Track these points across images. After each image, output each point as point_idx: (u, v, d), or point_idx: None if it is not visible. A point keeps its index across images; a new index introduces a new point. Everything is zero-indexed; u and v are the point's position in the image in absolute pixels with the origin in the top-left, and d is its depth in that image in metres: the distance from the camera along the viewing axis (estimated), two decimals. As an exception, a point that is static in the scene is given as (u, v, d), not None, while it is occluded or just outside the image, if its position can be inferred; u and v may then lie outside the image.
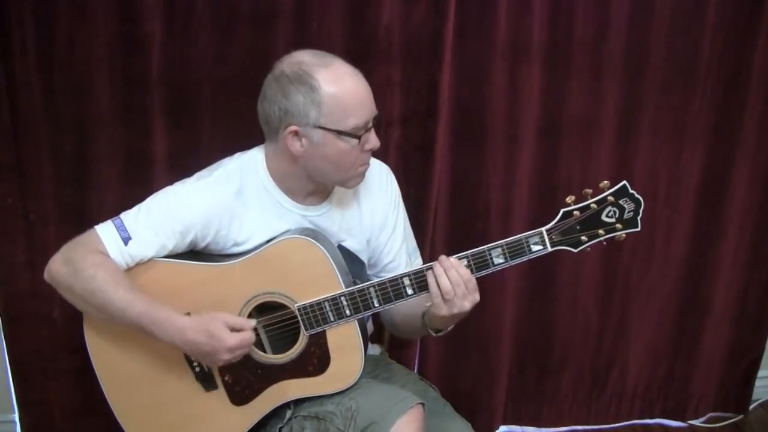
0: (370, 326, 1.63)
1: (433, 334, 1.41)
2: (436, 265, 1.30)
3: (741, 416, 2.32)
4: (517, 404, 2.20)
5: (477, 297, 1.32)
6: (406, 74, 1.78)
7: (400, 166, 1.81)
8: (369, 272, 1.54)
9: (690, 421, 2.30)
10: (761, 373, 2.31)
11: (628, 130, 1.96)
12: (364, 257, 1.50)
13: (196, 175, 1.40)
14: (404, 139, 1.83)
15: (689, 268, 2.13)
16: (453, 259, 1.30)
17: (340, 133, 1.29)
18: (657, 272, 2.12)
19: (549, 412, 2.22)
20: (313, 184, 1.40)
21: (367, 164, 1.38)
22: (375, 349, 1.66)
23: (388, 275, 1.37)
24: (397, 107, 1.80)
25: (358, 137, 1.30)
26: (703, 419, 2.31)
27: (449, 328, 1.39)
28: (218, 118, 1.72)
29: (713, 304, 2.18)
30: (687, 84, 1.95)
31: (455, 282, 1.29)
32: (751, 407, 2.35)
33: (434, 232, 1.91)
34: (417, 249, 1.60)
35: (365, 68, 1.70)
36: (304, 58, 1.30)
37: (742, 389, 2.31)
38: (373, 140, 1.34)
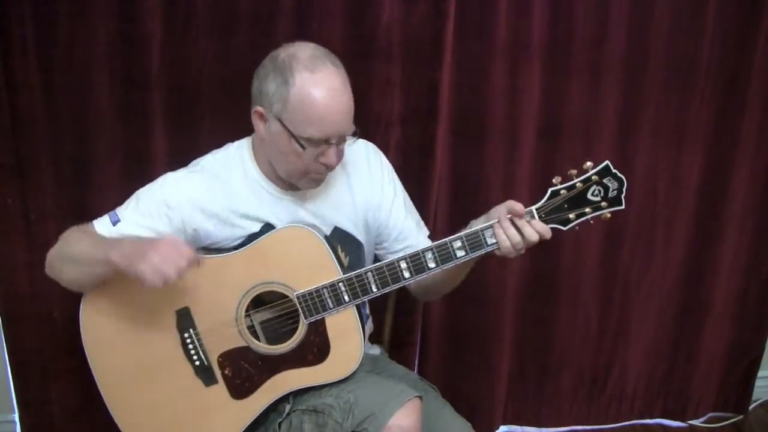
0: (369, 326, 1.63)
1: None
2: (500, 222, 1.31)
3: (741, 416, 2.32)
4: (517, 404, 2.20)
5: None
6: (406, 74, 1.78)
7: (400, 166, 1.80)
8: (379, 251, 1.56)
9: (690, 421, 2.31)
10: (761, 373, 2.31)
11: (628, 130, 1.96)
12: (361, 238, 1.51)
13: (188, 165, 1.45)
14: (404, 139, 1.83)
15: (689, 268, 2.14)
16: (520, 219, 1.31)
17: (292, 135, 1.30)
18: (657, 272, 2.12)
19: (549, 412, 2.22)
20: None
21: (322, 174, 1.38)
22: (375, 350, 1.66)
23: (400, 246, 1.44)
24: (397, 107, 1.80)
25: (304, 147, 1.30)
26: (703, 419, 2.32)
27: None
28: (218, 118, 1.72)
29: (713, 304, 2.18)
30: (687, 84, 1.95)
31: (529, 235, 1.31)
32: (751, 407, 2.35)
33: (434, 232, 1.91)
34: (421, 221, 1.60)
35: (365, 68, 1.73)
36: (301, 53, 1.30)
37: (742, 389, 2.31)
38: (329, 156, 1.33)
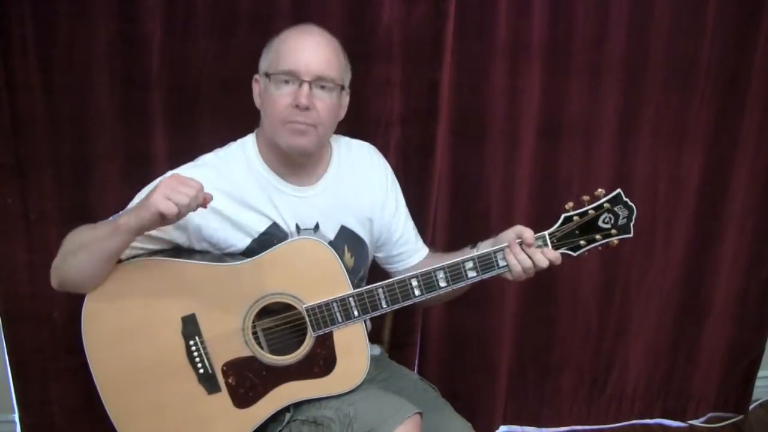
0: (368, 325, 1.63)
1: None
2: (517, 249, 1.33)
3: (741, 416, 2.32)
4: (517, 404, 2.20)
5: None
6: (406, 74, 1.78)
7: (400, 166, 1.81)
8: (380, 254, 1.56)
9: (690, 421, 2.31)
10: (761, 373, 2.31)
11: (628, 130, 1.96)
12: (366, 238, 1.51)
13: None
14: (404, 139, 1.83)
15: (689, 269, 2.14)
16: (533, 247, 1.33)
17: (266, 75, 1.35)
18: (657, 272, 2.12)
19: (549, 412, 2.22)
20: (286, 156, 1.38)
21: (295, 124, 1.32)
22: (375, 349, 1.65)
23: (399, 251, 1.46)
24: (397, 107, 1.80)
25: (269, 76, 1.34)
26: (703, 419, 2.32)
27: None
28: (218, 118, 1.72)
29: (713, 304, 2.19)
30: (687, 84, 1.95)
31: (539, 261, 1.34)
32: (751, 407, 2.35)
33: (434, 232, 1.91)
34: (415, 227, 1.61)
35: (365, 68, 1.72)
36: (296, 25, 1.39)
37: (742, 389, 2.31)
38: (300, 96, 1.30)
